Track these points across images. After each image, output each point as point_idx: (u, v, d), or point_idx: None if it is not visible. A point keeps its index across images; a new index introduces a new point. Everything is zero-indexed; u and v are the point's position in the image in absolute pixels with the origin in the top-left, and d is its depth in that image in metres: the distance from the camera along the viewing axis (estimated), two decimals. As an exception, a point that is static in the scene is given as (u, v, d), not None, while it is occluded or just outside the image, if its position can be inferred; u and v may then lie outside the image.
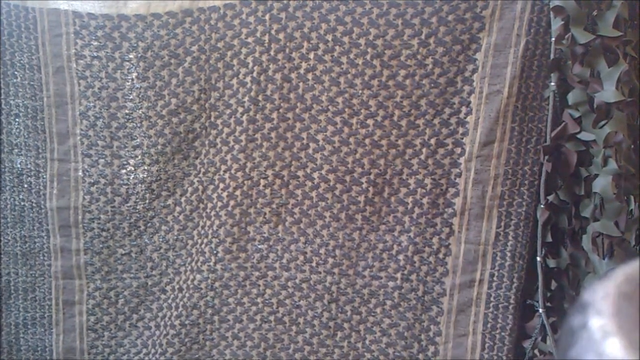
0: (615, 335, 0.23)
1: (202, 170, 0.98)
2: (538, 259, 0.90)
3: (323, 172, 0.95)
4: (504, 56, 0.87)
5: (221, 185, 0.97)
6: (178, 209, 0.99)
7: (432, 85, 0.90)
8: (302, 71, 0.92)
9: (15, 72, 0.95)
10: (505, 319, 0.94)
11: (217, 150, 0.96)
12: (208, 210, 0.98)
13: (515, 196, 0.92)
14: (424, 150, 0.92)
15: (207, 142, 0.97)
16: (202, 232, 0.99)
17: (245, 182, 0.96)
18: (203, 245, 0.99)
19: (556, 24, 0.84)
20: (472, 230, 0.93)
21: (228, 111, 0.95)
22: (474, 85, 0.89)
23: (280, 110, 0.94)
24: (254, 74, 0.93)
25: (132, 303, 1.02)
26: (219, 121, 0.96)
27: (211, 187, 0.98)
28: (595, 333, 0.24)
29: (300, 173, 0.95)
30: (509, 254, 0.93)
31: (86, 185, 0.98)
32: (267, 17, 0.91)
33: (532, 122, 0.90)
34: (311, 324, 1.00)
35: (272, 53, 0.92)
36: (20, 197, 0.99)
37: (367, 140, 0.93)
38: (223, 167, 0.96)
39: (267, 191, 0.96)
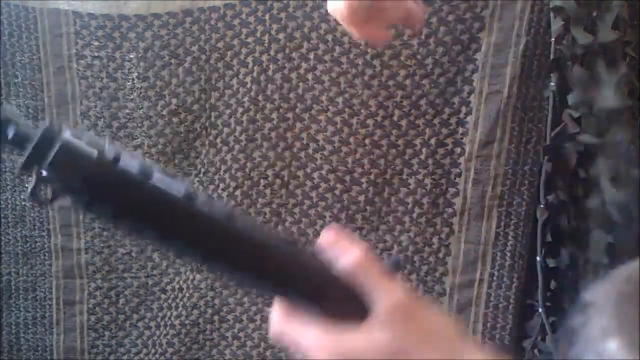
0: (615, 335, 0.23)
1: (203, 170, 0.98)
2: (538, 258, 0.90)
3: (323, 172, 0.95)
4: (503, 56, 0.88)
5: (221, 185, 0.97)
6: (178, 208, 0.99)
7: (432, 85, 0.90)
8: (302, 71, 0.92)
9: (16, 72, 0.95)
10: (505, 318, 0.95)
11: (217, 150, 0.96)
12: (208, 210, 0.98)
13: (515, 196, 0.92)
14: (423, 150, 0.92)
15: (207, 142, 0.97)
16: (203, 231, 0.99)
17: (245, 182, 0.96)
18: (203, 245, 0.99)
19: (556, 24, 0.84)
20: (472, 230, 0.93)
21: (228, 111, 0.95)
22: (474, 85, 0.89)
23: (280, 110, 0.94)
24: (254, 74, 0.93)
25: (133, 302, 1.02)
26: (219, 121, 0.96)
27: (211, 187, 0.98)
28: (595, 333, 0.24)
29: (300, 173, 0.95)
30: (508, 254, 0.93)
31: (87, 185, 0.98)
32: (267, 17, 0.91)
33: (532, 122, 0.90)
34: (311, 324, 1.00)
35: (272, 53, 0.92)
36: (21, 196, 0.99)
37: (367, 140, 0.93)
38: (223, 167, 0.96)
39: (267, 191, 0.96)
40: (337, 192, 0.95)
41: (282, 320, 0.37)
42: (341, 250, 0.37)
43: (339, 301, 0.37)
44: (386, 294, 0.35)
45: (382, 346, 0.34)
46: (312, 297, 0.37)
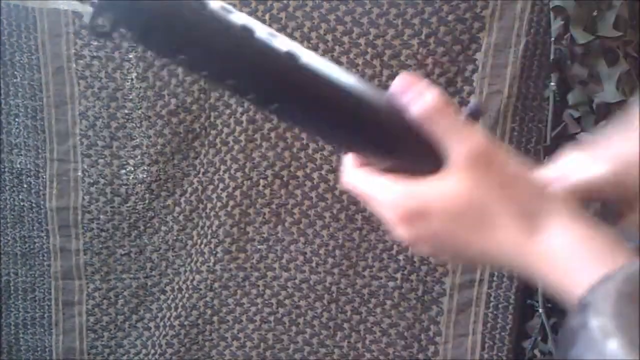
0: (615, 335, 0.23)
1: (202, 170, 0.97)
2: (538, 259, 0.90)
3: (323, 172, 0.95)
4: (504, 56, 0.87)
5: (220, 186, 0.96)
6: (177, 209, 0.99)
7: (432, 85, 0.90)
8: (301, 71, 0.92)
9: (15, 72, 0.95)
10: (505, 319, 0.94)
11: (216, 151, 0.96)
12: (207, 211, 0.98)
13: (515, 196, 0.91)
14: (423, 150, 0.92)
15: (206, 142, 0.97)
16: (202, 232, 0.99)
17: (245, 182, 0.96)
18: (202, 246, 0.99)
19: (556, 24, 0.84)
20: (472, 231, 0.93)
21: (228, 111, 0.95)
22: (474, 85, 0.89)
23: (280, 111, 0.94)
24: (254, 74, 0.93)
25: (132, 303, 1.02)
26: (218, 121, 0.95)
27: (210, 187, 0.97)
28: (595, 333, 0.24)
29: (299, 173, 0.95)
30: (509, 254, 0.92)
31: (86, 186, 0.98)
32: (267, 17, 0.91)
33: (532, 122, 0.90)
34: (311, 325, 1.00)
35: (271, 53, 0.92)
36: (20, 197, 0.99)
37: (366, 141, 0.92)
38: (222, 168, 0.96)
39: (267, 191, 0.96)
40: (336, 192, 0.95)
41: (354, 169, 0.34)
42: (415, 94, 0.34)
43: (412, 150, 0.33)
44: (464, 139, 0.31)
45: (459, 196, 0.31)
46: (385, 146, 0.33)
